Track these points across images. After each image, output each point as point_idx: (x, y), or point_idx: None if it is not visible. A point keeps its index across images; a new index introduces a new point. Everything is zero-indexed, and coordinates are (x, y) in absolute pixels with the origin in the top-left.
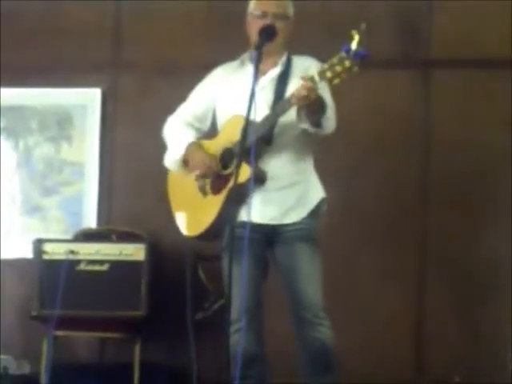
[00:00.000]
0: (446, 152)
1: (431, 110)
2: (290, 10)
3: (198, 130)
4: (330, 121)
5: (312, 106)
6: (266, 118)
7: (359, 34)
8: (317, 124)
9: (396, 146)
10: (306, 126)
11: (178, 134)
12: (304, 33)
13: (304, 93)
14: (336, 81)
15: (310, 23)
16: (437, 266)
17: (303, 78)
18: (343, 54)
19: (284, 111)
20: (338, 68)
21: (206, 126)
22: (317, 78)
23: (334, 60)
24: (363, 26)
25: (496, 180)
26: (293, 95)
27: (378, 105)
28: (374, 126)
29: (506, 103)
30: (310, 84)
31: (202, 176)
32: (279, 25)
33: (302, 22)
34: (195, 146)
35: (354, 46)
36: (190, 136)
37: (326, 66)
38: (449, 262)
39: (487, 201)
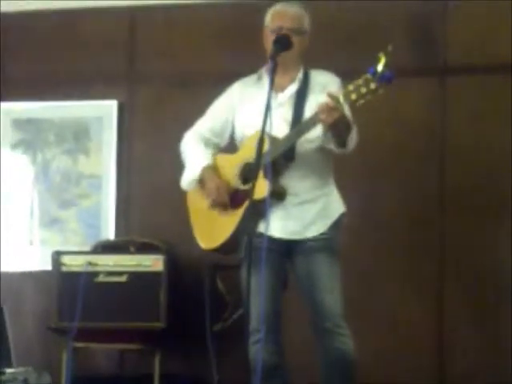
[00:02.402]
0: (463, 159)
1: (448, 117)
2: (306, 24)
3: (215, 145)
4: (353, 141)
5: (338, 127)
6: (289, 136)
7: (386, 55)
8: (342, 144)
9: (413, 154)
10: (331, 146)
11: (194, 153)
12: (317, 41)
13: (328, 111)
14: (360, 102)
15: (323, 31)
16: (456, 273)
17: (328, 96)
18: (369, 75)
19: (308, 129)
20: (363, 90)
21: (224, 140)
22: (342, 99)
23: (360, 81)
24: (390, 47)
25: None
26: (316, 113)
27: (394, 113)
28: (391, 134)
29: None
30: (333, 103)
31: (214, 204)
32: (295, 39)
33: (315, 29)
34: (210, 171)
35: (380, 68)
36: (207, 156)
37: (351, 87)
38: (469, 273)
39: (505, 207)
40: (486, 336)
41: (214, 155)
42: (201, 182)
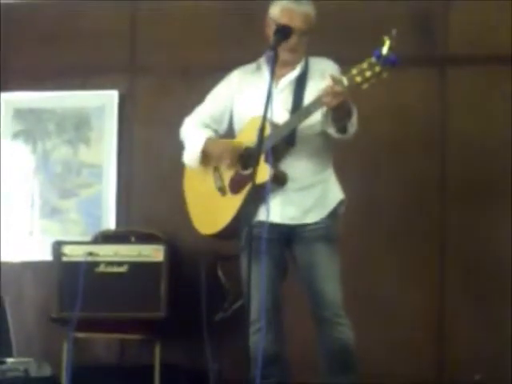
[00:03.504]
0: (464, 150)
1: (448, 107)
2: (314, 20)
3: (214, 131)
4: (353, 127)
5: (340, 111)
6: (291, 120)
7: (390, 39)
8: (342, 130)
9: (413, 145)
10: (331, 131)
11: (195, 131)
12: (318, 33)
13: (333, 94)
14: (365, 85)
15: (325, 23)
16: (457, 265)
17: (332, 80)
18: (373, 59)
19: (310, 114)
20: (368, 73)
21: (223, 127)
22: (345, 81)
23: (364, 65)
24: (394, 31)
25: None
26: (320, 96)
27: (394, 103)
28: (391, 124)
29: None
30: (338, 87)
31: (231, 164)
32: (303, 39)
33: (317, 22)
34: (214, 139)
35: (384, 51)
36: (207, 133)
37: (354, 71)
38: (469, 261)
39: (506, 199)
40: (488, 326)
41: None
42: (204, 152)
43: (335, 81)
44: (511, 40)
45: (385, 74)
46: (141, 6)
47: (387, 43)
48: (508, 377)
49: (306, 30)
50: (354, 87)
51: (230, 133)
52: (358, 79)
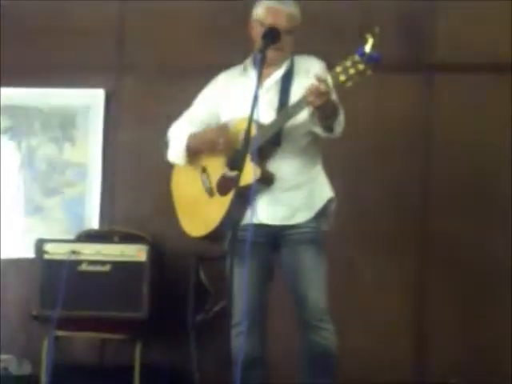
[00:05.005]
0: (448, 155)
1: (434, 113)
2: (299, 19)
3: None
4: (340, 126)
5: (326, 110)
6: (276, 120)
7: (373, 37)
8: (329, 128)
9: (398, 150)
10: (318, 130)
11: (180, 129)
12: (305, 34)
13: (317, 93)
14: (349, 84)
15: (312, 24)
16: (438, 269)
17: (317, 79)
18: (357, 57)
19: (295, 113)
20: (352, 71)
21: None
22: (330, 80)
23: (347, 63)
24: (377, 29)
25: (497, 183)
26: (305, 96)
27: (380, 108)
28: (377, 129)
29: (508, 107)
30: (323, 86)
31: (226, 144)
32: (288, 38)
33: (304, 22)
34: (199, 131)
35: (367, 49)
36: (192, 130)
37: (338, 69)
38: (450, 265)
39: (489, 204)
40: (466, 331)
41: None
42: (191, 147)
43: (320, 80)
44: (499, 47)
45: (368, 72)
46: (128, 4)
47: (370, 41)
48: (485, 380)
49: (291, 28)
50: (338, 86)
51: None
52: (342, 78)
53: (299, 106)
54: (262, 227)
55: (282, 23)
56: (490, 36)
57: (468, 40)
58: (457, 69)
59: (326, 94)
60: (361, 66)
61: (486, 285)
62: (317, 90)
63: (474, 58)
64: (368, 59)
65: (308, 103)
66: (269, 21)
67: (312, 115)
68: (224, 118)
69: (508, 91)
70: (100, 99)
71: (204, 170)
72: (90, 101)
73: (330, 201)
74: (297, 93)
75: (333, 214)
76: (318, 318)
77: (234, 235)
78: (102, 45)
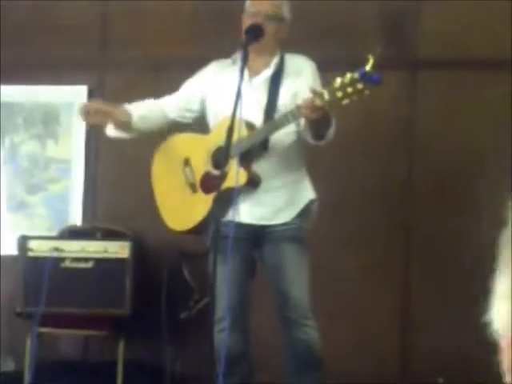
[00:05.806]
0: (432, 152)
1: (417, 110)
2: (286, 12)
3: (181, 118)
4: (330, 135)
5: (319, 122)
6: (266, 128)
7: (374, 57)
8: (319, 137)
9: (382, 147)
10: (308, 138)
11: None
12: (290, 33)
13: (312, 108)
14: (345, 101)
15: (297, 23)
16: (422, 265)
17: (313, 93)
18: (356, 75)
19: (283, 126)
20: (350, 89)
21: (190, 115)
22: (326, 96)
23: (346, 80)
24: (379, 50)
25: (481, 180)
26: (299, 107)
27: (364, 105)
28: (360, 126)
29: (491, 105)
30: (318, 101)
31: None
32: (271, 25)
33: (290, 18)
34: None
35: (368, 69)
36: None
37: (336, 85)
38: (434, 261)
39: (472, 200)
40: (452, 327)
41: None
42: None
43: (316, 94)
44: (484, 43)
45: (366, 92)
46: (112, 1)
47: (371, 61)
48: (471, 378)
49: (273, 15)
50: (334, 101)
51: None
52: (339, 94)
53: (292, 116)
54: (244, 226)
55: (264, 8)
56: (474, 33)
57: (451, 37)
58: (440, 66)
59: (322, 109)
60: (359, 86)
61: (471, 279)
62: (312, 104)
63: (457, 56)
64: (368, 79)
65: (302, 115)
66: (253, 8)
67: (303, 125)
68: (211, 109)
69: (491, 88)
70: (83, 96)
71: (187, 163)
72: (73, 97)
73: (311, 201)
74: (286, 93)
75: (315, 214)
76: (300, 314)
77: (217, 233)
78: (85, 41)
